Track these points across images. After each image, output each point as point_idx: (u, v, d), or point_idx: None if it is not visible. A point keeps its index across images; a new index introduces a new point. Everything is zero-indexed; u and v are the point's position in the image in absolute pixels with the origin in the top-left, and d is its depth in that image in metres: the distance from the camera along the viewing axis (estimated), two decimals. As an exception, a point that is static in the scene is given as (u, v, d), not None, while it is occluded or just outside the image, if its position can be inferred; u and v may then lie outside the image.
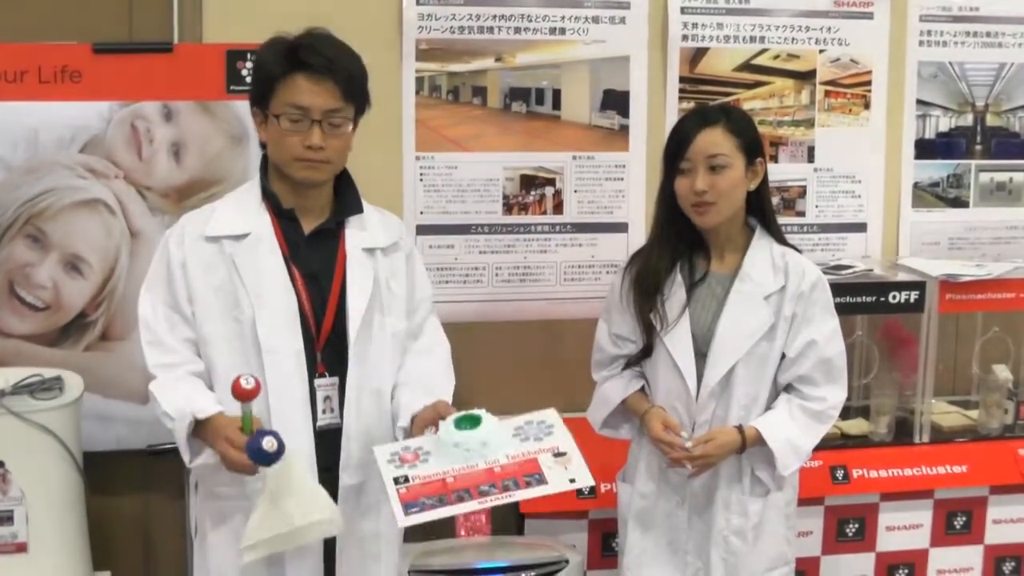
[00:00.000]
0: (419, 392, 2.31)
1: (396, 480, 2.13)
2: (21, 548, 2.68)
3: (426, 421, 2.24)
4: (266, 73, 2.23)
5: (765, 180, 2.53)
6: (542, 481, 2.11)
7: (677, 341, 2.51)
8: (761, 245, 2.53)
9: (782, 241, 2.57)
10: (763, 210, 2.56)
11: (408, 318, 2.40)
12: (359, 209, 2.35)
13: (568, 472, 2.13)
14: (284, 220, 2.29)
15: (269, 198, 2.30)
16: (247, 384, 2.04)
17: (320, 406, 2.26)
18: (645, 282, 2.54)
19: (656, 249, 2.56)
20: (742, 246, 2.54)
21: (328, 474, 2.25)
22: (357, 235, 2.33)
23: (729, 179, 2.43)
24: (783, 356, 2.52)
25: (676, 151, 2.46)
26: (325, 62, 2.20)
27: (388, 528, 2.37)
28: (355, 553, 2.33)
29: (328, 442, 2.27)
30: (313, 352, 2.26)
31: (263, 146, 2.32)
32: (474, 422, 2.18)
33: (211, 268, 2.25)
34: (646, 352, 2.56)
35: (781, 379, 2.53)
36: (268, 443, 2.02)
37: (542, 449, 2.18)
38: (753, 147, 2.48)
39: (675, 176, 2.47)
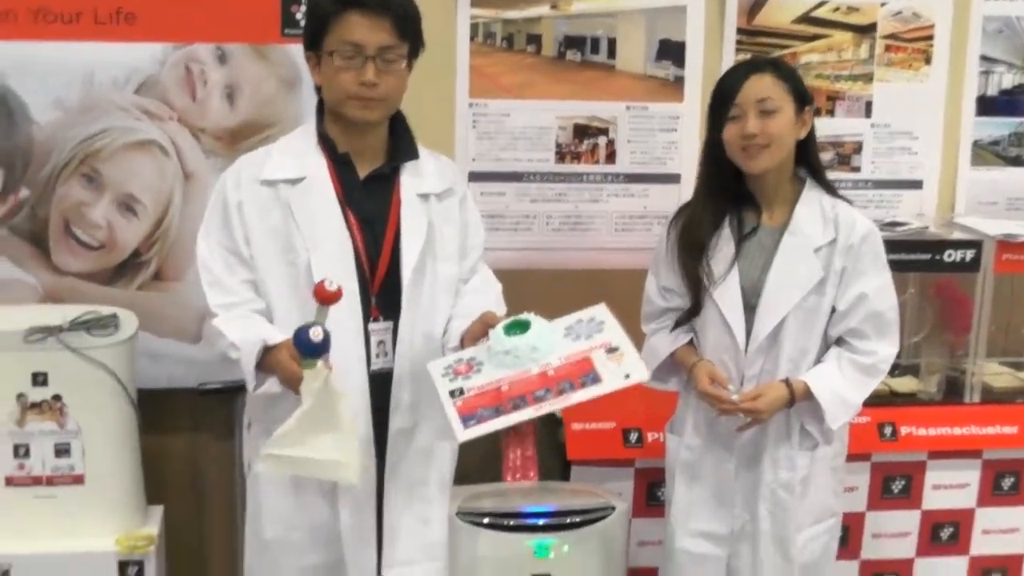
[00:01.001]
0: (467, 320, 2.27)
1: (452, 393, 2.09)
2: (78, 480, 2.71)
3: (476, 335, 2.21)
4: (320, 13, 2.19)
5: (812, 131, 2.46)
6: (597, 380, 2.05)
7: (726, 295, 2.46)
8: (811, 197, 2.46)
9: (833, 193, 2.50)
10: (811, 161, 2.49)
11: (459, 262, 2.36)
12: (415, 155, 2.31)
13: (622, 368, 2.07)
14: (339, 164, 2.25)
15: (324, 142, 2.26)
16: (330, 286, 2.01)
17: (374, 350, 2.24)
18: (691, 237, 2.49)
19: (702, 204, 2.50)
20: (791, 199, 2.47)
21: (379, 416, 2.24)
22: (412, 181, 2.29)
23: (780, 122, 2.37)
24: (833, 310, 2.45)
25: (725, 99, 2.41)
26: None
27: (438, 472, 2.36)
28: (403, 496, 2.32)
29: (379, 385, 2.25)
30: (368, 296, 2.24)
31: (318, 90, 2.28)
32: (523, 327, 2.13)
33: (267, 211, 2.23)
34: (694, 311, 2.51)
35: (832, 333, 2.47)
36: (315, 332, 1.99)
37: (594, 347, 2.11)
38: (802, 94, 2.42)
39: (722, 127, 2.41)
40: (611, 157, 3.17)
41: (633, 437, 2.99)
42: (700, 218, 2.49)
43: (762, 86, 2.38)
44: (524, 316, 2.16)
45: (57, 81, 2.84)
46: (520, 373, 2.09)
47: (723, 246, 2.47)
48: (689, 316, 2.53)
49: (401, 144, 2.30)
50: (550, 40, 3.10)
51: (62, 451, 2.70)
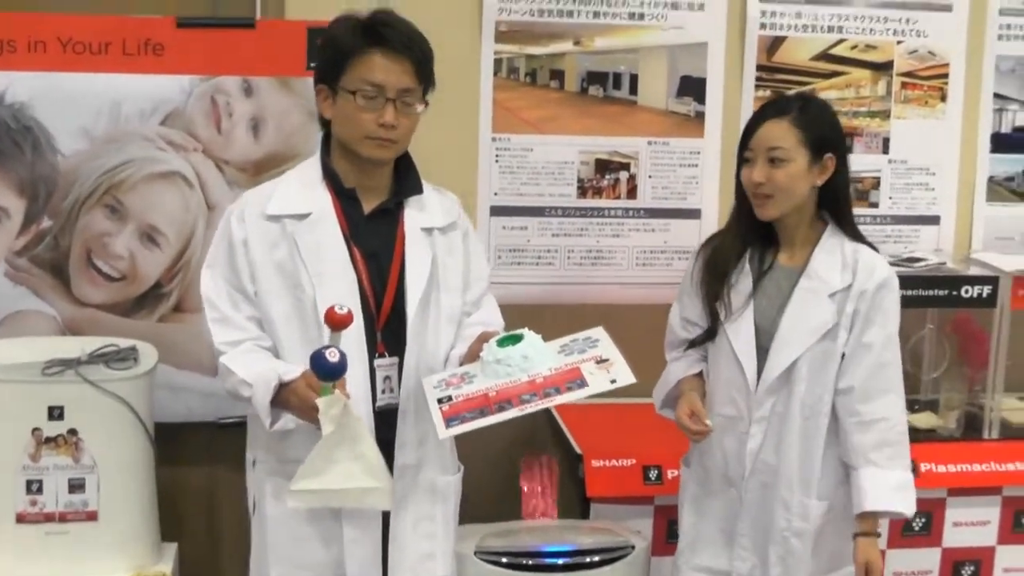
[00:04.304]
0: (467, 344, 2.18)
1: (440, 400, 1.99)
2: (92, 516, 2.51)
3: (474, 353, 2.10)
4: (340, 48, 2.05)
5: (841, 175, 2.27)
6: (583, 384, 1.95)
7: (739, 331, 2.29)
8: (832, 242, 2.28)
9: (857, 237, 2.31)
10: (837, 205, 2.30)
11: (463, 294, 2.23)
12: (419, 190, 2.19)
13: (610, 374, 1.96)
14: (345, 199, 2.12)
15: (330, 177, 2.13)
16: (341, 310, 1.92)
17: (380, 386, 2.10)
18: (715, 267, 2.33)
19: (729, 236, 2.34)
20: (813, 240, 2.29)
21: (385, 451, 2.08)
22: (416, 215, 2.17)
23: (787, 173, 2.20)
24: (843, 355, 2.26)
25: (743, 140, 2.27)
26: (403, 39, 2.04)
27: (443, 508, 2.22)
28: (410, 532, 2.17)
29: (385, 421, 2.11)
30: (373, 332, 2.10)
31: (324, 123, 2.14)
32: (516, 340, 2.03)
33: (273, 247, 2.09)
34: (709, 335, 2.34)
35: (839, 385, 2.25)
36: (331, 353, 1.90)
37: (585, 359, 2.01)
38: (821, 141, 2.23)
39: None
40: (632, 192, 3.04)
41: (653, 474, 2.80)
42: (728, 247, 2.34)
43: (775, 134, 2.21)
44: (518, 331, 2.06)
45: (83, 112, 2.70)
46: (510, 382, 1.99)
47: (742, 281, 2.31)
48: (703, 339, 2.37)
49: (407, 180, 2.18)
50: (573, 75, 2.98)
51: (76, 487, 2.51)
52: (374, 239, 2.13)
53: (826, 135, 2.25)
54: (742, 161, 2.28)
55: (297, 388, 1.97)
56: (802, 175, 2.22)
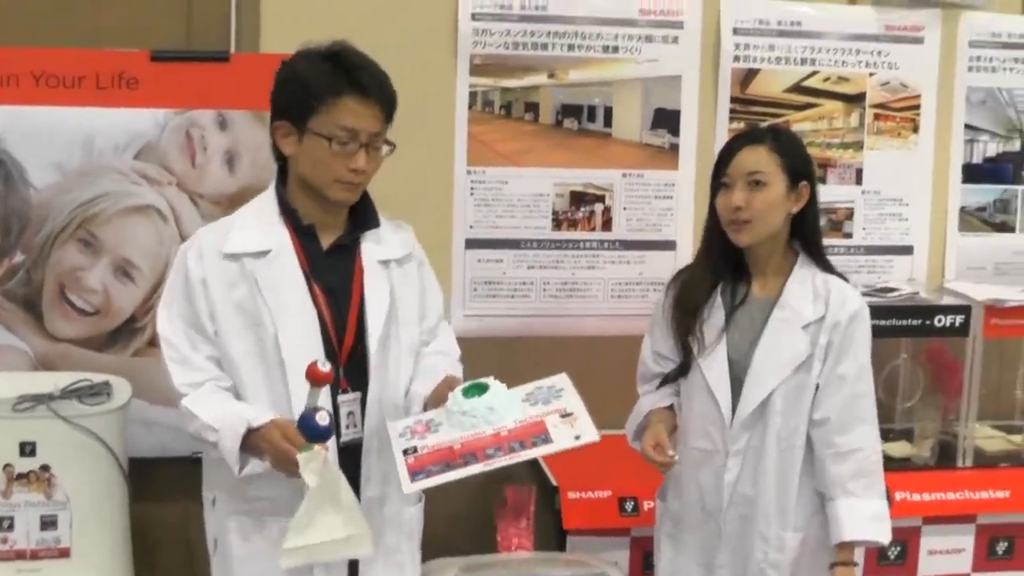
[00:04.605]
0: (429, 380, 2.15)
1: (405, 451, 1.98)
2: (64, 553, 2.48)
3: (439, 397, 2.07)
4: (311, 89, 2.00)
5: (812, 205, 2.27)
6: (548, 440, 1.94)
7: (713, 366, 2.27)
8: (803, 272, 2.27)
9: (828, 268, 2.30)
10: (807, 235, 2.29)
11: (419, 325, 2.21)
12: (377, 223, 2.16)
13: (574, 430, 1.95)
14: (303, 235, 2.09)
15: (288, 213, 2.09)
16: (323, 367, 1.89)
17: (344, 422, 2.07)
18: (685, 302, 2.32)
19: (699, 269, 2.33)
20: (785, 271, 2.28)
21: (350, 486, 2.04)
22: (373, 248, 2.14)
23: (766, 197, 2.20)
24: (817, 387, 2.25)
25: (719, 167, 2.26)
26: (377, 84, 2.02)
27: (408, 538, 2.20)
28: (379, 565, 2.14)
29: (349, 457, 2.08)
30: (335, 368, 2.05)
31: (280, 158, 2.10)
32: (481, 389, 2.02)
33: (232, 286, 2.05)
34: (682, 370, 2.33)
35: (814, 416, 2.23)
36: (321, 417, 1.88)
37: (549, 411, 2.00)
38: (798, 169, 2.23)
39: (717, 194, 2.26)
40: (607, 224, 3.02)
41: (629, 506, 2.78)
42: (698, 281, 2.32)
43: (754, 159, 2.21)
44: (483, 380, 2.05)
45: (57, 145, 2.67)
46: (475, 434, 1.98)
47: (715, 314, 2.30)
48: (676, 375, 2.35)
49: (364, 213, 2.15)
50: (548, 108, 2.96)
51: (48, 523, 2.47)
52: (333, 275, 2.10)
53: (801, 163, 2.26)
54: (718, 187, 2.26)
55: (273, 440, 1.93)
56: (780, 201, 2.22)
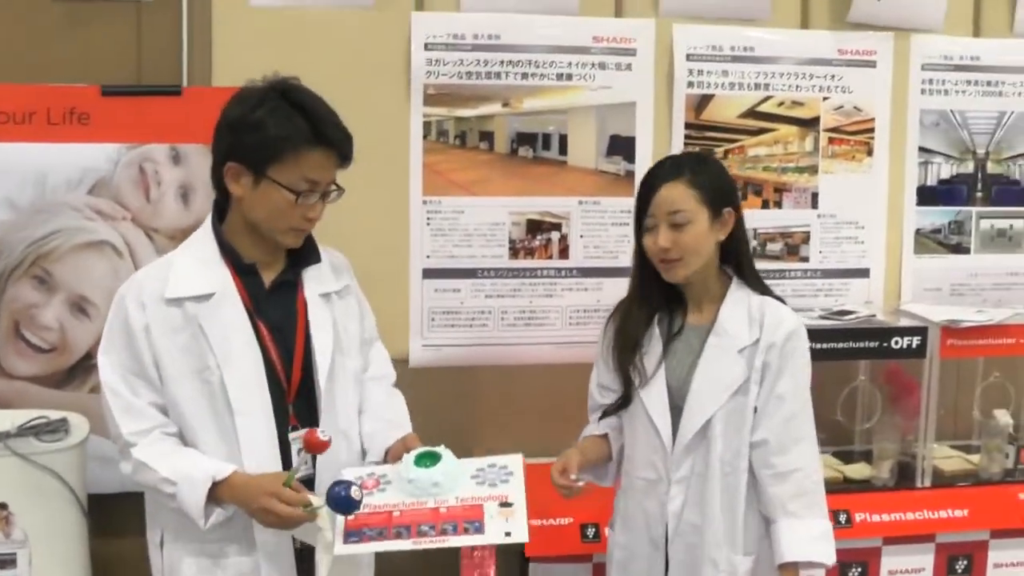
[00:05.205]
0: (382, 423, 2.20)
1: None
2: (22, 593, 2.45)
3: (396, 455, 2.11)
4: (276, 140, 1.96)
5: (739, 228, 2.26)
6: (479, 531, 1.99)
7: (653, 395, 2.27)
8: (737, 296, 2.26)
9: (761, 289, 2.29)
10: (738, 258, 2.29)
11: (361, 352, 2.24)
12: (318, 259, 2.15)
13: (507, 525, 2.00)
14: (244, 275, 2.06)
15: (228, 253, 2.06)
16: (323, 436, 1.93)
17: (295, 459, 2.05)
18: (624, 336, 2.32)
19: (635, 304, 2.32)
20: (719, 296, 2.27)
21: None
22: (314, 282, 2.14)
23: (692, 234, 2.19)
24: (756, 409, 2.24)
25: (640, 208, 2.24)
26: (343, 136, 2.01)
27: (364, 571, 2.22)
28: None
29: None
30: (284, 405, 2.06)
31: (223, 197, 2.07)
32: (434, 459, 2.08)
33: (176, 331, 2.02)
34: (624, 402, 2.33)
35: (753, 439, 2.23)
36: (356, 492, 1.91)
37: (492, 496, 2.04)
38: (718, 197, 2.22)
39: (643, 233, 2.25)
40: (564, 252, 3.00)
41: (591, 532, 2.78)
42: (634, 315, 2.31)
43: (673, 197, 2.19)
44: (437, 449, 2.09)
45: (9, 182, 2.64)
46: (417, 503, 2.03)
47: (653, 345, 2.29)
48: (617, 407, 2.35)
49: (306, 250, 2.14)
50: (503, 137, 2.94)
51: (7, 562, 2.45)
52: (277, 311, 2.09)
53: (721, 190, 2.24)
54: (641, 229, 2.25)
55: (275, 509, 1.92)
56: (706, 234, 2.21)
